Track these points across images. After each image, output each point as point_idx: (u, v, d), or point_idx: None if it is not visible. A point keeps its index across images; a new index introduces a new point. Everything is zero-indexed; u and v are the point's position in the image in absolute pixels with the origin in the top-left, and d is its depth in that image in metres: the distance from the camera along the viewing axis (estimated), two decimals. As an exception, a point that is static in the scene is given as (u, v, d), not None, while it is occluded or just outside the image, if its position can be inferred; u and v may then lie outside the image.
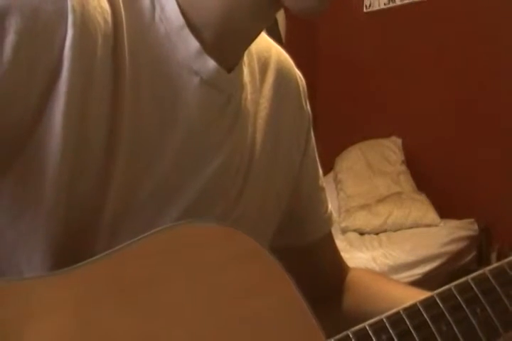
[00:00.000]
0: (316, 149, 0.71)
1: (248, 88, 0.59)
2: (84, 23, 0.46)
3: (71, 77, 0.45)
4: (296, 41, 3.13)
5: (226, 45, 0.53)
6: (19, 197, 0.45)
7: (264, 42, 0.64)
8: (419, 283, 2.33)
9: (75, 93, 0.45)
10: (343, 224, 2.79)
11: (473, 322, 0.48)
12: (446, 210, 2.75)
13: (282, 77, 0.65)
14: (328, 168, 3.11)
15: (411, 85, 3.09)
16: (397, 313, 0.47)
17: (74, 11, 0.45)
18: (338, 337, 0.45)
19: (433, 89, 2.98)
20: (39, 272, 0.46)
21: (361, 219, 2.77)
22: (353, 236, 2.73)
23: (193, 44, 0.51)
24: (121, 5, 0.49)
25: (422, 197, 2.80)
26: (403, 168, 3.01)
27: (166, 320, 0.42)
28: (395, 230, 2.72)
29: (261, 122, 0.61)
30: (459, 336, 0.47)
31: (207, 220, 0.47)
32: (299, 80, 0.68)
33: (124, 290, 0.42)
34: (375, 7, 3.28)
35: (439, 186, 2.94)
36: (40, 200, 0.45)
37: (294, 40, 3.06)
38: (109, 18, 0.48)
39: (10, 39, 0.42)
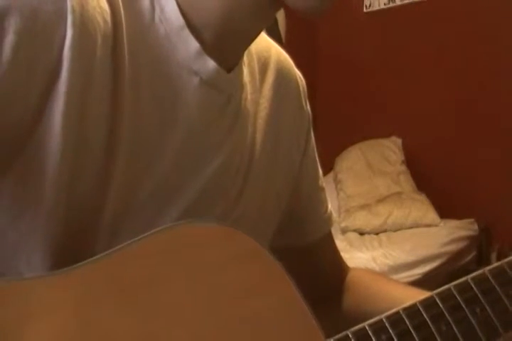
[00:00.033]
0: (316, 149, 0.71)
1: (248, 88, 0.59)
2: (84, 24, 0.46)
3: (70, 77, 0.45)
4: (296, 41, 3.13)
5: (226, 46, 0.53)
6: (19, 197, 0.45)
7: (264, 42, 0.65)
8: (419, 283, 2.33)
9: (75, 93, 0.45)
10: (343, 224, 2.79)
11: (473, 322, 0.48)
12: (446, 210, 2.75)
13: (282, 77, 0.65)
14: (328, 168, 3.11)
15: (411, 85, 3.09)
16: (397, 313, 0.47)
17: (73, 11, 0.45)
18: (337, 336, 0.45)
19: (433, 89, 2.98)
20: (39, 272, 0.46)
21: (361, 219, 2.77)
22: (353, 236, 2.73)
23: (193, 44, 0.51)
24: (121, 5, 0.49)
25: (422, 197, 2.80)
26: (403, 168, 3.01)
27: (166, 320, 0.42)
28: (395, 230, 2.72)
29: (261, 122, 0.61)
30: (459, 336, 0.47)
31: (207, 220, 0.47)
32: (298, 80, 0.68)
33: (124, 290, 0.42)
34: (375, 7, 3.28)
35: (439, 186, 2.94)
36: (40, 200, 0.45)
37: (294, 40, 3.06)
38: (109, 19, 0.48)
39: (9, 39, 0.42)
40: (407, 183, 2.94)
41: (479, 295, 0.49)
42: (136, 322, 0.41)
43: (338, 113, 3.43)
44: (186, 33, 0.51)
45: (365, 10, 3.33)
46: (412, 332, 0.46)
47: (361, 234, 2.76)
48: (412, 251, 2.48)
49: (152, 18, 0.51)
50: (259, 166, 0.61)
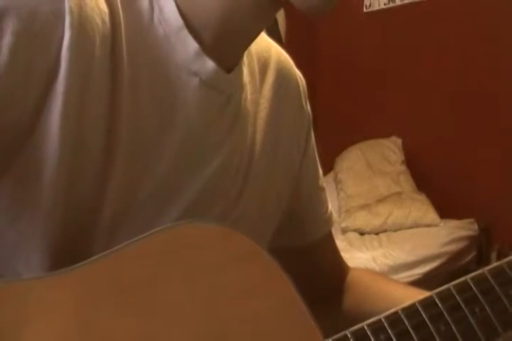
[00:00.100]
0: (316, 149, 0.71)
1: (248, 88, 0.59)
2: (82, 24, 0.46)
3: (69, 77, 0.45)
4: (296, 41, 3.13)
5: (225, 46, 0.53)
6: (17, 198, 0.45)
7: (264, 43, 0.64)
8: (419, 283, 2.33)
9: (73, 94, 0.45)
10: (343, 224, 2.79)
11: (472, 321, 0.48)
12: (446, 210, 2.75)
13: (282, 77, 0.65)
14: (328, 168, 3.11)
15: (411, 85, 3.09)
16: (396, 313, 0.47)
17: (71, 12, 0.45)
18: (336, 336, 0.45)
19: (433, 89, 2.98)
20: (37, 272, 0.46)
21: (361, 219, 2.78)
22: (353, 236, 2.73)
23: (192, 45, 0.51)
24: (120, 6, 0.49)
25: (422, 197, 2.80)
26: (403, 168, 3.01)
27: (165, 321, 0.42)
28: (395, 230, 2.72)
29: (261, 122, 0.61)
30: (458, 336, 0.47)
31: (206, 220, 0.47)
32: (299, 80, 0.68)
33: (123, 291, 0.42)
34: (375, 7, 3.28)
35: (439, 186, 2.94)
36: (38, 201, 0.45)
37: (294, 40, 3.06)
38: (107, 19, 0.48)
39: (7, 41, 0.42)
40: (407, 183, 2.94)
41: (478, 295, 0.49)
42: (136, 323, 0.41)
43: (338, 113, 3.43)
44: (185, 33, 0.51)
45: (365, 10, 3.33)
46: (411, 332, 0.46)
47: (361, 234, 2.76)
48: (412, 251, 2.48)
49: (151, 18, 0.51)
50: (259, 166, 0.61)
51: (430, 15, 2.98)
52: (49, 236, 0.46)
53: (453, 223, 2.70)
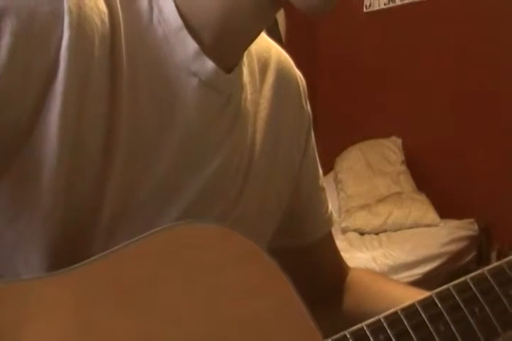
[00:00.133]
0: (316, 149, 0.71)
1: (248, 88, 0.59)
2: (81, 24, 0.46)
3: (67, 77, 0.45)
4: (296, 41, 3.13)
5: (225, 46, 0.53)
6: (16, 198, 0.45)
7: (264, 43, 0.64)
8: (419, 283, 2.33)
9: (72, 94, 0.45)
10: (343, 224, 2.79)
11: (472, 322, 0.48)
12: (446, 210, 2.75)
13: (282, 77, 0.65)
14: (328, 168, 3.11)
15: (411, 85, 3.09)
16: (395, 313, 0.47)
17: (70, 12, 0.45)
18: (335, 337, 0.45)
19: (433, 89, 2.98)
20: (36, 273, 0.46)
21: (361, 219, 2.78)
22: (353, 236, 2.73)
23: (192, 45, 0.51)
24: (119, 6, 0.49)
25: (422, 197, 2.80)
26: (403, 168, 3.01)
27: (165, 320, 0.42)
28: (395, 230, 2.72)
29: (261, 122, 0.61)
30: (458, 336, 0.47)
31: (206, 221, 0.47)
32: (299, 80, 0.68)
33: (123, 291, 0.42)
34: (375, 7, 3.28)
35: (439, 186, 2.94)
36: (37, 202, 0.45)
37: (294, 40, 3.06)
38: (106, 19, 0.48)
39: (5, 41, 0.42)
40: (407, 183, 2.94)
41: (478, 295, 0.49)
42: (135, 323, 0.41)
43: (338, 113, 3.43)
44: (184, 33, 0.51)
45: (365, 10, 3.33)
46: (411, 332, 0.46)
47: (361, 234, 2.76)
48: (412, 251, 2.48)
49: (150, 19, 0.51)
50: (259, 166, 0.61)
51: (430, 15, 2.98)
52: (48, 237, 0.46)
53: (453, 223, 2.70)
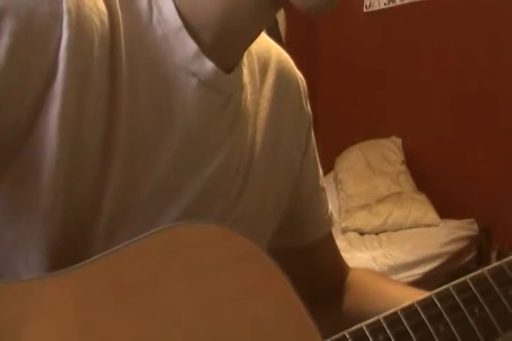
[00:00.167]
0: (316, 149, 0.71)
1: (248, 88, 0.59)
2: (80, 24, 0.45)
3: (67, 78, 0.45)
4: (296, 41, 3.13)
5: (225, 46, 0.53)
6: (16, 199, 0.45)
7: (264, 43, 0.64)
8: (419, 283, 2.33)
9: (71, 94, 0.45)
10: (343, 224, 2.79)
11: (472, 322, 0.48)
12: (446, 210, 2.75)
13: (282, 77, 0.65)
14: (328, 168, 3.11)
15: (411, 85, 3.09)
16: (395, 313, 0.47)
17: (69, 12, 0.45)
18: (334, 337, 0.45)
19: (433, 89, 2.98)
20: (36, 273, 0.46)
21: (361, 219, 2.78)
22: (353, 236, 2.73)
23: (191, 46, 0.51)
24: (118, 6, 0.49)
25: (422, 197, 2.80)
26: (403, 168, 3.01)
27: (165, 321, 0.42)
28: (395, 230, 2.72)
29: (261, 122, 0.61)
30: (457, 336, 0.47)
31: (206, 221, 0.47)
32: (299, 80, 0.68)
33: (123, 291, 0.42)
34: (375, 7, 3.28)
35: (439, 186, 2.94)
36: (36, 202, 0.45)
37: (294, 40, 3.06)
38: (106, 19, 0.48)
39: (4, 41, 0.42)
40: (407, 183, 2.94)
41: (478, 295, 0.49)
42: (135, 323, 0.41)
43: (338, 113, 3.43)
44: (184, 34, 0.51)
45: (365, 10, 3.33)
46: (410, 332, 0.46)
47: (361, 234, 2.76)
48: (412, 251, 2.48)
49: (150, 19, 0.51)
50: (259, 166, 0.61)
51: (430, 15, 2.98)
52: (48, 237, 0.46)
53: (453, 223, 2.70)
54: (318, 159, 0.72)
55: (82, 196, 0.47)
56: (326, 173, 2.76)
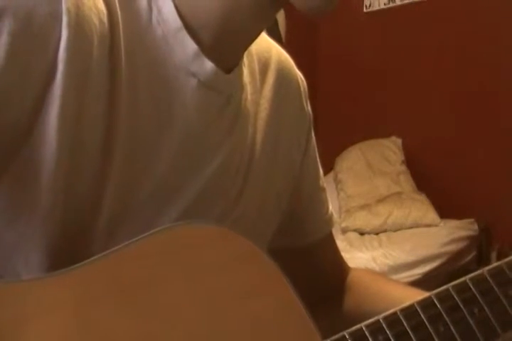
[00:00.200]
0: (316, 149, 0.71)
1: (248, 89, 0.59)
2: (79, 24, 0.45)
3: (66, 78, 0.44)
4: (296, 41, 3.13)
5: (225, 47, 0.53)
6: (16, 199, 0.45)
7: (264, 43, 0.64)
8: (419, 283, 2.33)
9: (71, 94, 0.45)
10: (343, 224, 2.79)
11: (471, 322, 0.48)
12: (446, 210, 2.75)
13: (283, 77, 0.65)
14: (328, 168, 3.11)
15: (411, 85, 3.09)
16: (394, 314, 0.47)
17: (68, 12, 0.45)
18: (334, 337, 0.45)
19: (433, 89, 2.98)
20: (36, 273, 0.46)
21: (361, 219, 2.78)
22: (353, 236, 2.73)
23: (191, 46, 0.51)
24: (118, 6, 0.49)
25: (422, 197, 2.80)
26: (403, 168, 3.01)
27: (165, 321, 0.42)
28: (395, 230, 2.72)
29: (261, 123, 0.61)
30: (457, 336, 0.47)
31: (205, 221, 0.47)
32: (299, 81, 0.68)
33: (123, 291, 0.42)
34: (375, 7, 3.28)
35: (439, 186, 2.94)
36: (36, 203, 0.45)
37: (294, 40, 3.06)
38: (105, 19, 0.48)
39: (4, 41, 0.42)
40: (407, 183, 2.94)
41: (477, 295, 0.49)
42: (135, 323, 0.41)
43: (338, 113, 3.43)
44: (184, 34, 0.51)
45: (365, 10, 3.33)
46: (410, 332, 0.46)
47: (361, 234, 2.76)
48: (412, 251, 2.48)
49: (149, 19, 0.51)
50: (259, 166, 0.61)
51: (430, 15, 2.98)
52: (48, 237, 0.46)
53: (453, 223, 2.70)
54: (318, 159, 0.72)
55: (82, 196, 0.47)
56: (326, 173, 2.75)
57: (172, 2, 0.51)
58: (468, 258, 2.66)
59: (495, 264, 0.52)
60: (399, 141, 3.12)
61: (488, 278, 0.50)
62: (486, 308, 0.49)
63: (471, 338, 0.48)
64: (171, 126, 0.51)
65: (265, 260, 0.46)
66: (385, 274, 2.23)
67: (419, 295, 0.50)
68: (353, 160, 3.11)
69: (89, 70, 0.46)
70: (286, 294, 0.46)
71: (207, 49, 0.52)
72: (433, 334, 0.47)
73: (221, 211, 0.57)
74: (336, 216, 0.75)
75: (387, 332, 0.46)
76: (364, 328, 0.46)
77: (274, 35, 0.64)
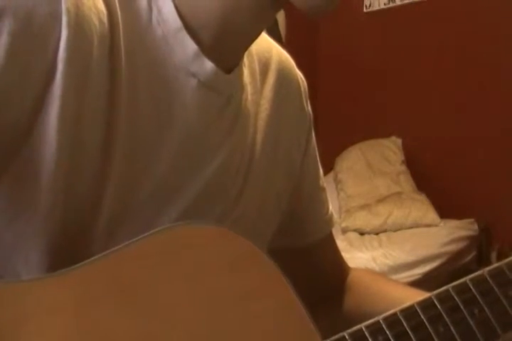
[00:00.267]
0: (316, 149, 0.71)
1: (248, 89, 0.59)
2: (79, 24, 0.45)
3: (66, 78, 0.44)
4: (296, 41, 3.13)
5: (225, 47, 0.53)
6: (16, 199, 0.45)
7: (265, 43, 0.64)
8: (419, 283, 2.33)
9: (70, 95, 0.45)
10: (343, 224, 2.79)
11: (471, 323, 0.48)
12: (446, 210, 2.75)
13: (283, 77, 0.65)
14: (328, 167, 3.11)
15: (411, 85, 3.09)
16: (394, 314, 0.47)
17: (68, 12, 0.45)
18: (334, 338, 0.45)
19: (433, 89, 2.98)
20: (36, 273, 0.46)
21: (361, 219, 2.78)
22: (353, 236, 2.73)
23: (191, 46, 0.51)
24: (118, 6, 0.49)
25: (422, 197, 2.80)
26: (403, 168, 3.01)
27: (165, 321, 0.42)
28: (395, 230, 2.72)
29: (261, 123, 0.61)
30: (457, 337, 0.47)
31: (205, 221, 0.47)
32: (300, 81, 0.68)
33: (123, 291, 0.42)
34: (375, 7, 3.28)
35: (439, 186, 2.94)
36: (36, 203, 0.45)
37: (294, 40, 3.06)
38: (105, 19, 0.48)
39: (3, 41, 0.42)
40: (407, 183, 2.94)
41: (478, 296, 0.49)
42: (135, 323, 0.41)
43: (338, 113, 3.43)
44: (184, 34, 0.51)
45: (365, 10, 3.33)
46: (410, 333, 0.46)
47: (361, 234, 2.76)
48: (412, 251, 2.48)
49: (149, 19, 0.51)
50: (260, 166, 0.61)
51: (430, 15, 2.98)
52: (48, 237, 0.46)
53: (453, 223, 2.70)
54: (318, 159, 0.72)
55: (82, 196, 0.47)
56: (326, 173, 2.75)
57: (172, 2, 0.51)
58: (468, 258, 2.66)
59: (495, 265, 0.52)
60: (399, 141, 3.12)
61: (489, 278, 0.50)
62: (486, 309, 0.49)
63: (471, 339, 0.48)
64: (171, 126, 0.51)
65: (265, 260, 0.46)
66: (385, 274, 2.23)
67: (419, 295, 0.50)
68: (353, 160, 3.11)
69: (89, 70, 0.46)
70: (286, 294, 0.46)
71: (207, 49, 0.52)
72: (433, 334, 0.47)
73: (221, 211, 0.57)
74: (336, 216, 0.75)
75: (387, 332, 0.46)
76: (364, 329, 0.46)
77: (274, 35, 0.64)
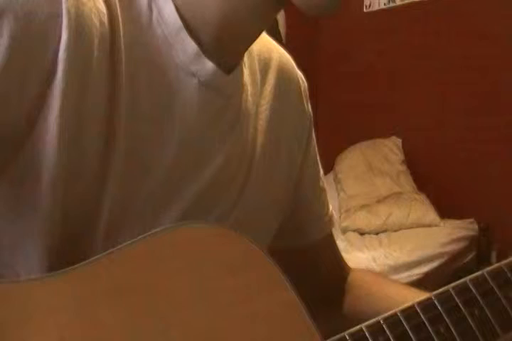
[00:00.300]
0: (316, 149, 0.71)
1: (249, 89, 0.59)
2: (79, 25, 0.45)
3: (66, 79, 0.44)
4: (297, 41, 3.12)
5: (225, 47, 0.53)
6: (15, 200, 0.45)
7: (265, 43, 0.64)
8: (419, 283, 2.33)
9: (71, 95, 0.45)
10: (343, 224, 2.79)
11: (471, 323, 0.48)
12: (446, 210, 2.75)
13: (283, 77, 0.65)
14: (329, 168, 3.12)
15: (411, 85, 3.09)
16: (395, 315, 0.47)
17: (68, 12, 0.45)
18: (334, 338, 0.45)
19: (433, 89, 2.98)
20: (36, 273, 0.46)
21: (361, 219, 2.78)
22: (353, 236, 2.73)
23: (191, 46, 0.51)
24: (118, 7, 0.49)
25: (422, 197, 2.80)
26: (403, 168, 3.01)
27: (165, 321, 0.42)
28: (395, 230, 2.72)
29: (262, 123, 0.61)
30: (457, 337, 0.47)
31: (206, 221, 0.47)
32: (300, 81, 0.68)
33: (123, 291, 0.42)
34: (375, 7, 3.28)
35: (439, 186, 2.94)
36: (36, 204, 0.45)
37: (294, 40, 3.06)
38: (106, 20, 0.48)
39: (3, 42, 0.42)
40: (407, 183, 2.94)
41: (478, 296, 0.49)
42: (135, 323, 0.41)
43: (338, 113, 3.43)
44: (184, 34, 0.51)
45: (365, 10, 3.33)
46: (410, 333, 0.46)
47: (361, 234, 2.76)
48: (412, 251, 2.48)
49: (150, 19, 0.50)
50: (260, 166, 0.61)
51: (430, 15, 2.98)
52: (48, 237, 0.46)
53: (453, 223, 2.70)
54: (318, 159, 0.72)
55: (81, 197, 0.47)
56: (326, 173, 2.75)
57: (172, 3, 0.51)
58: (468, 258, 2.66)
59: (495, 265, 0.52)
60: (399, 141, 3.12)
61: (489, 279, 0.50)
62: (486, 309, 0.49)
63: (471, 339, 0.48)
64: (171, 126, 0.51)
65: (265, 260, 0.46)
66: (385, 274, 2.23)
67: (419, 295, 0.50)
68: (353, 160, 3.11)
69: (90, 71, 0.46)
70: (286, 295, 0.46)
71: (207, 49, 0.52)
72: (433, 335, 0.47)
73: (221, 211, 0.57)
74: (336, 216, 0.75)
75: (388, 333, 0.46)
76: (364, 329, 0.46)
77: (274, 35, 0.64)
